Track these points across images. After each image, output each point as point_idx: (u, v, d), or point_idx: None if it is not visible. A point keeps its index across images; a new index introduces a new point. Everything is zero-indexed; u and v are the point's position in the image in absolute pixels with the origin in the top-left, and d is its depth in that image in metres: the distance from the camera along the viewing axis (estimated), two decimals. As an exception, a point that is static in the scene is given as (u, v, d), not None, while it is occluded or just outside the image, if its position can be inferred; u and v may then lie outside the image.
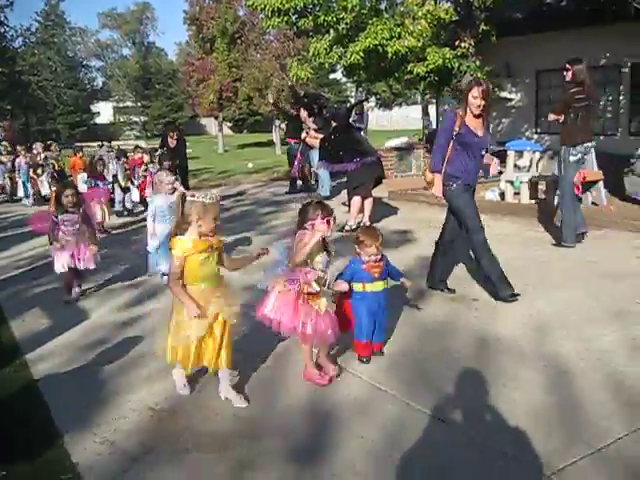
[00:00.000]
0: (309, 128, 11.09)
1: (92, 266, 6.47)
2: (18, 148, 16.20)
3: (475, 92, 5.67)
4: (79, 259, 6.35)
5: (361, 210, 9.38)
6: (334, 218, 4.19)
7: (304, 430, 3.70)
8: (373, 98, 57.13)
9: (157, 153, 12.38)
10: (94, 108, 57.31)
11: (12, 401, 4.22)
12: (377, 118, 56.75)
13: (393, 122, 54.49)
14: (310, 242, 4.00)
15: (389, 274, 4.67)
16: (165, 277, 6.65)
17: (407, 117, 52.85)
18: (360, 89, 45.64)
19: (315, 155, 11.56)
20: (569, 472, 3.21)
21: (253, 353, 4.75)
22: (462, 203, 5.99)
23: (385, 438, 3.59)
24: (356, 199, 9.18)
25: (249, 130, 53.03)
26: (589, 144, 8.15)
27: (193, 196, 3.85)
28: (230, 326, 3.97)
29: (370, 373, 4.44)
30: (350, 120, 10.14)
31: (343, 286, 4.48)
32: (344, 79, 38.81)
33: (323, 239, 4.16)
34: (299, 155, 13.28)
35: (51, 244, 6.47)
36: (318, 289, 4.12)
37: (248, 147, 34.37)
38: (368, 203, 9.35)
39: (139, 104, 58.53)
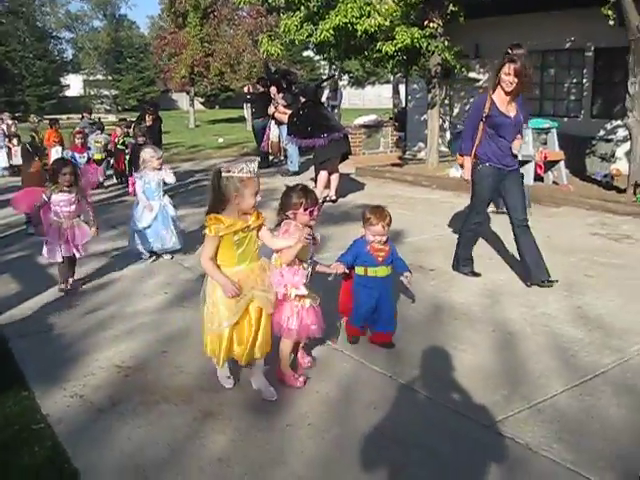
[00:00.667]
0: (277, 104, 11.23)
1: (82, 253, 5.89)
2: None
3: (507, 69, 5.52)
4: (76, 246, 5.73)
5: (328, 185, 9.59)
6: (319, 207, 3.97)
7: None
8: (346, 76, 57.20)
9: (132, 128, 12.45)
10: (64, 81, 56.49)
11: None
12: (350, 96, 56.72)
13: (366, 101, 54.57)
14: (296, 247, 3.71)
15: (393, 262, 4.43)
16: (144, 259, 6.77)
17: (380, 96, 53.00)
18: (333, 67, 45.68)
19: (284, 131, 11.72)
20: (507, 423, 3.48)
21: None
22: (480, 186, 5.95)
23: (339, 393, 3.84)
24: (322, 174, 9.38)
25: (221, 106, 52.76)
26: None
27: (229, 171, 3.52)
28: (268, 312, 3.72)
29: (328, 337, 4.67)
30: (323, 96, 10.32)
31: (339, 268, 4.30)
32: (317, 57, 38.76)
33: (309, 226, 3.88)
34: (267, 130, 13.43)
35: (35, 226, 5.98)
36: (305, 292, 3.88)
37: (219, 123, 34.26)
38: (335, 178, 9.56)
39: (110, 77, 57.81)
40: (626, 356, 4.34)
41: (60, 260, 5.71)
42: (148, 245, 6.70)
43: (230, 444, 3.30)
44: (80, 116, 18.99)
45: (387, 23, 10.55)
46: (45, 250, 5.70)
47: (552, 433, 3.39)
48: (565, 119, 13.46)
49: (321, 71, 56.63)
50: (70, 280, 5.89)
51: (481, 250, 6.86)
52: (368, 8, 10.88)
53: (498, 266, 6.50)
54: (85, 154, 11.43)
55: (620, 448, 3.25)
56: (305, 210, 3.84)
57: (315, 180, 9.82)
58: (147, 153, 6.79)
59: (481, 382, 3.96)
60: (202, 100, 52.39)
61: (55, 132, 14.42)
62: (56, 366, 4.22)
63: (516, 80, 5.53)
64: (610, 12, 9.68)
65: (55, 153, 13.01)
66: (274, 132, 13.60)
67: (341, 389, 3.89)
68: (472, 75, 15.18)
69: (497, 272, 6.29)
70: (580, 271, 6.26)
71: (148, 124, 12.54)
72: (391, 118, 17.28)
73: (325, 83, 12.80)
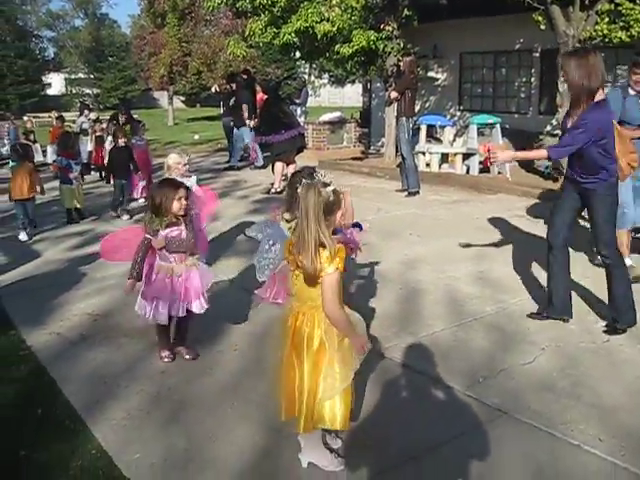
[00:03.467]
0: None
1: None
2: None
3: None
4: (188, 300, 4.16)
5: (286, 176, 10.57)
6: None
7: (205, 324, 4.89)
8: (326, 75, 58.07)
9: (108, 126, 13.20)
10: (45, 79, 56.90)
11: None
12: (329, 95, 57.69)
13: (345, 99, 55.31)
14: None
15: None
16: None
17: (359, 94, 53.71)
18: (314, 66, 46.59)
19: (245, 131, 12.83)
20: (391, 349, 4.47)
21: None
22: None
23: (262, 328, 4.79)
24: (278, 165, 10.36)
25: (202, 104, 53.46)
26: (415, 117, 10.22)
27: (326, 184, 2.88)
28: None
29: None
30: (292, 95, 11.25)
31: None
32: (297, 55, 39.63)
33: None
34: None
35: (137, 280, 4.14)
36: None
37: (198, 120, 35.07)
38: (292, 168, 10.51)
39: (91, 76, 58.32)
40: (506, 306, 5.36)
41: (165, 323, 4.23)
42: None
43: (171, 363, 4.28)
44: (78, 113, 17.29)
45: (334, 29, 11.50)
46: (145, 307, 4.21)
47: (425, 356, 4.38)
48: (516, 115, 14.55)
49: (301, 69, 57.44)
50: (184, 351, 4.38)
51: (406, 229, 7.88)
52: (326, 14, 11.86)
53: (421, 242, 7.50)
54: (79, 161, 9.41)
55: (473, 365, 4.24)
56: None
57: (272, 171, 10.75)
58: (172, 159, 5.83)
59: (377, 322, 4.95)
60: (183, 99, 53.08)
61: (61, 128, 14.20)
62: (38, 315, 5.19)
63: None
64: (541, 18, 10.72)
65: (51, 152, 13.46)
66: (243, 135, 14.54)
67: (264, 327, 4.81)
68: (430, 74, 16.22)
69: (417, 245, 7.29)
70: (492, 245, 7.27)
71: (121, 123, 13.14)
72: (352, 116, 18.23)
73: (292, 83, 13.74)
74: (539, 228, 8.15)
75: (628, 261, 5.75)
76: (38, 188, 8.13)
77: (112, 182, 9.75)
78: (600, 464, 3.14)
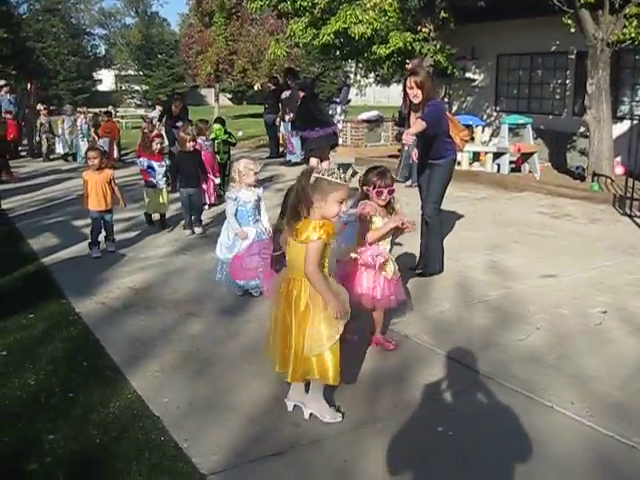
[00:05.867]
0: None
1: None
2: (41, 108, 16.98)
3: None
4: None
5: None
6: (391, 189, 4.28)
7: (231, 301, 5.44)
8: (372, 74, 58.51)
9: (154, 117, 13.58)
10: (96, 75, 58.50)
11: (31, 285, 5.98)
12: (375, 94, 57.80)
13: (390, 99, 55.47)
14: (380, 230, 4.18)
15: None
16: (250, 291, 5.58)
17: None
18: (360, 65, 47.02)
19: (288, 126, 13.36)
20: (397, 324, 4.94)
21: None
22: None
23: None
24: (312, 161, 10.85)
25: (249, 102, 54.33)
26: None
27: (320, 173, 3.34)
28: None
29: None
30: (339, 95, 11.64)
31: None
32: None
33: (387, 204, 4.33)
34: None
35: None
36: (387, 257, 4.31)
37: (243, 117, 35.83)
38: (326, 165, 11.02)
39: (141, 73, 59.70)
40: (511, 291, 5.78)
41: None
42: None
43: (202, 328, 4.88)
44: (152, 108, 17.75)
45: (368, 31, 11.97)
46: None
47: (428, 331, 4.85)
48: (550, 116, 14.78)
49: (348, 68, 57.78)
50: None
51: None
52: (360, 17, 12.34)
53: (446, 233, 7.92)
54: (164, 163, 8.38)
55: (470, 339, 4.69)
56: (374, 189, 4.23)
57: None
58: (242, 164, 5.49)
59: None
60: (230, 96, 54.05)
61: (110, 123, 15.08)
62: (86, 287, 5.83)
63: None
64: (570, 21, 11.01)
65: (104, 144, 13.85)
66: (282, 127, 15.19)
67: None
68: (468, 75, 16.55)
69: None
70: (510, 238, 7.67)
71: (174, 114, 12.76)
72: (393, 116, 18.62)
73: (318, 80, 14.26)
74: (558, 224, 8.54)
75: None
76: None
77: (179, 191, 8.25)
78: (567, 422, 3.57)
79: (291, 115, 13.09)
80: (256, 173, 5.51)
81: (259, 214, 5.63)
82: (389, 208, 4.34)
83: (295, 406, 3.65)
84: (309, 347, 3.33)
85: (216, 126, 10.65)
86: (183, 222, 8.15)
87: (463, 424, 3.53)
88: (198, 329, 4.86)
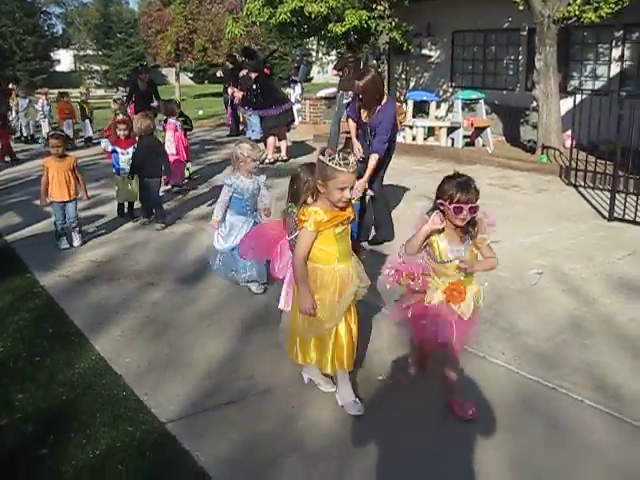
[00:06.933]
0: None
1: None
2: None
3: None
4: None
5: (279, 149, 11.34)
6: (473, 209, 3.20)
7: (191, 270, 5.69)
8: (334, 52, 58.41)
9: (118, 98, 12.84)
10: (54, 56, 57.47)
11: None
12: (336, 71, 57.62)
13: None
14: (417, 238, 3.31)
15: None
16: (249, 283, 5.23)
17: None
18: (321, 43, 46.94)
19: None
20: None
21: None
22: None
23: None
24: (270, 139, 11.11)
25: (210, 81, 53.97)
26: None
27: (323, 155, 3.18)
28: (360, 318, 3.53)
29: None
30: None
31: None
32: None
33: (468, 224, 3.28)
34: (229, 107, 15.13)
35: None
36: (417, 289, 3.43)
37: (204, 97, 35.71)
38: (284, 142, 11.28)
39: (100, 52, 58.84)
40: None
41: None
42: (232, 271, 5.20)
43: (162, 296, 5.16)
44: (114, 90, 17.18)
45: (323, 10, 12.21)
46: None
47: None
48: (504, 92, 15.15)
49: (309, 46, 57.62)
50: None
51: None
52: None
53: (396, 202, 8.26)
54: (129, 151, 7.58)
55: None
56: (450, 203, 3.20)
57: (265, 144, 11.47)
58: (244, 149, 5.00)
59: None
60: (191, 75, 53.67)
61: (66, 105, 14.65)
62: (49, 262, 6.05)
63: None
64: (518, -1, 11.36)
65: (67, 127, 13.71)
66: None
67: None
68: (425, 52, 16.83)
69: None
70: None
71: (142, 89, 12.24)
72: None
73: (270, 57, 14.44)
74: (507, 194, 8.92)
75: None
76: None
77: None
78: (498, 369, 3.94)
79: (239, 94, 13.03)
80: (255, 160, 5.02)
81: (256, 205, 5.17)
82: (473, 231, 3.33)
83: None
84: (307, 330, 3.39)
85: None
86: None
87: (403, 371, 3.87)
88: (158, 297, 5.13)
